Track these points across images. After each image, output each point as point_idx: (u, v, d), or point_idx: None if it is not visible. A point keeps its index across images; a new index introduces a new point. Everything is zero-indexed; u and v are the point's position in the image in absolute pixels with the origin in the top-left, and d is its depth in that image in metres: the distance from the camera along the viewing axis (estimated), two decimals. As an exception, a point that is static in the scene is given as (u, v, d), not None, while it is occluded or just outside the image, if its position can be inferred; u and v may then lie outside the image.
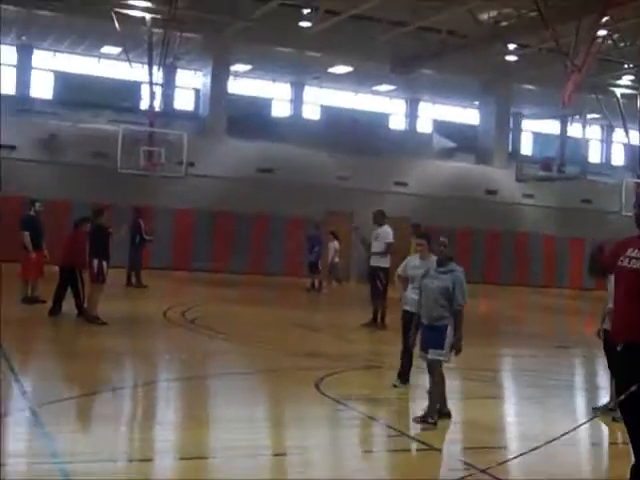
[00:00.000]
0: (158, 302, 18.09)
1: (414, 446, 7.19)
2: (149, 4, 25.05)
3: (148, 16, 25.26)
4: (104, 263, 13.54)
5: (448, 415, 7.92)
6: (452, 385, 10.00)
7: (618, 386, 5.77)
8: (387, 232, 14.73)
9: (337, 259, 24.44)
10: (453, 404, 8.31)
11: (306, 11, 25.85)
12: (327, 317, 18.40)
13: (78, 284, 13.74)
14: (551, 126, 34.35)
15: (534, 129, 41.59)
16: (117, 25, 24.62)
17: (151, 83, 25.93)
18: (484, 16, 26.85)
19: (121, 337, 12.83)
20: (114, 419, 7.49)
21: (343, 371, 10.67)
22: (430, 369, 7.83)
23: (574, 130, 22.01)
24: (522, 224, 33.07)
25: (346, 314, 18.24)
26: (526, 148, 40.47)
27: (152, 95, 26.07)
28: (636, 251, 5.81)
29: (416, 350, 8.24)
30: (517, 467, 6.72)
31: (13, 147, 25.80)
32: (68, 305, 13.90)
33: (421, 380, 9.82)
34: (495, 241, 32.15)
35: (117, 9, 24.70)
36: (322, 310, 20.69)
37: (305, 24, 26.58)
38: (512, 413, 9.30)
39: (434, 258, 8.93)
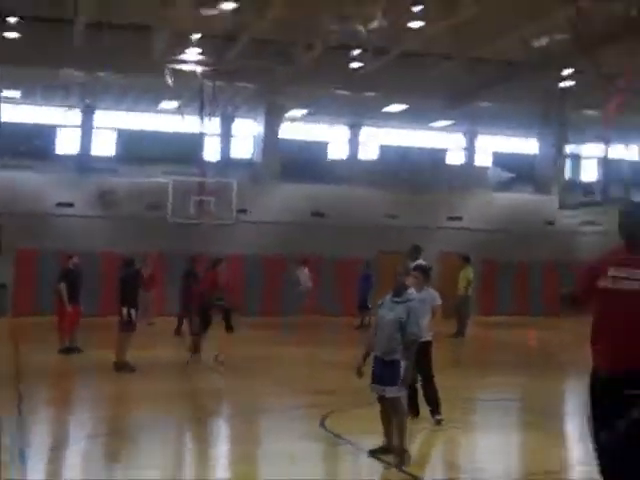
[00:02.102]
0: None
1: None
2: (200, 57, 25.59)
3: (199, 69, 25.87)
4: (132, 311, 13.87)
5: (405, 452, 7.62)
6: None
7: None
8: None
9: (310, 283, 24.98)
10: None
11: (355, 52, 25.96)
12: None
13: None
14: (619, 150, 33.69)
15: (598, 154, 40.64)
16: (169, 81, 25.22)
17: (201, 134, 26.53)
18: (536, 43, 26.52)
19: (141, 382, 13.12)
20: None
21: (351, 409, 10.69)
22: (392, 407, 7.57)
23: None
24: (582, 253, 31.36)
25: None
26: (589, 174, 39.62)
27: (202, 146, 26.68)
28: (626, 269, 5.19)
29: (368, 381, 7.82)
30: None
31: (71, 204, 26.75)
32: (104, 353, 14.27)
33: (425, 413, 9.80)
34: (554, 273, 30.95)
35: (170, 65, 25.32)
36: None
37: (356, 65, 26.69)
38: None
39: (429, 291, 9.16)
